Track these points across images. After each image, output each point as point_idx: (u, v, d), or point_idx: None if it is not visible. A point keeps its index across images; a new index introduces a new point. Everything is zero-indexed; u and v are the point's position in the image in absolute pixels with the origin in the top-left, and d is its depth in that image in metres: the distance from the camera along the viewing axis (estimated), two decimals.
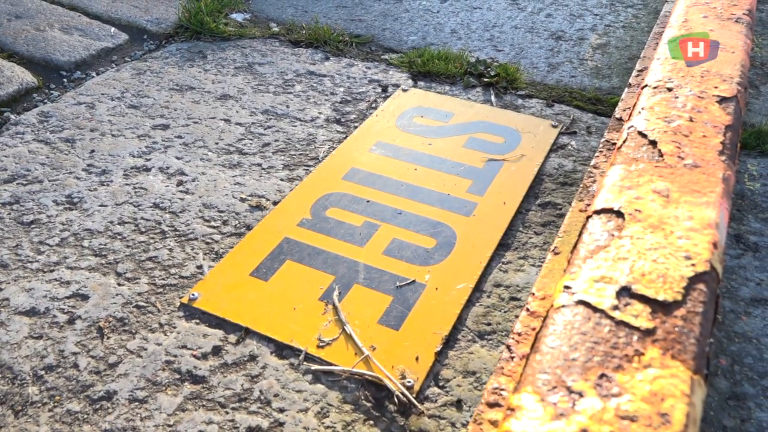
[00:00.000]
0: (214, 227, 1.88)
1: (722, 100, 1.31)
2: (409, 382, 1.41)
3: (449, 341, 1.53)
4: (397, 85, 2.65)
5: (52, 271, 1.71)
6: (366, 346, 1.49)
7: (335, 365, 1.45)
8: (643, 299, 0.83)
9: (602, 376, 0.73)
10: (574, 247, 0.94)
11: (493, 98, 2.57)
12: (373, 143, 2.24)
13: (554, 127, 2.36)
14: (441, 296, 1.63)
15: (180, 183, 2.05)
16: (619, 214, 0.99)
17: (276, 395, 1.40)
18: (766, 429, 1.34)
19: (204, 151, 2.21)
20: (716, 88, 1.35)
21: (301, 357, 1.48)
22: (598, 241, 0.94)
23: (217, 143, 2.26)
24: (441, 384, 1.43)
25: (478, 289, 1.68)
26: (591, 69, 2.82)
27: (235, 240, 1.83)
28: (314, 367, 1.45)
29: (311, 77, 2.71)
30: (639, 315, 0.80)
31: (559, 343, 0.78)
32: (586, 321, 0.80)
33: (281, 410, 1.37)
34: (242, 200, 1.98)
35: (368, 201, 1.96)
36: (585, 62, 2.88)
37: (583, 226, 0.98)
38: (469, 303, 1.64)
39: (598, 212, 1.00)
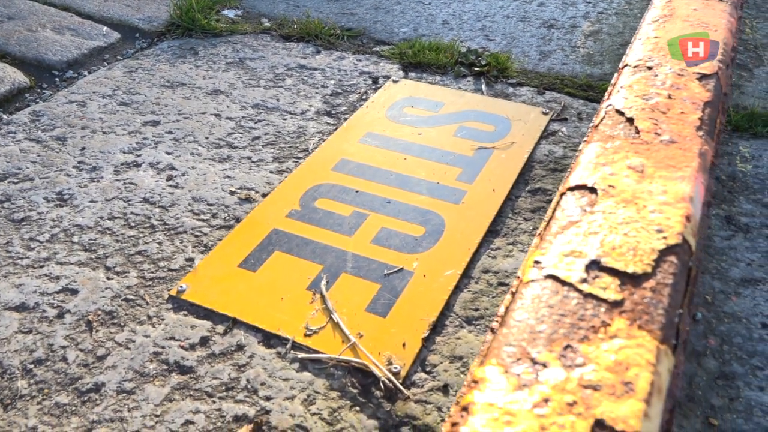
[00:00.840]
0: (203, 220, 1.88)
1: (702, 77, 1.30)
2: (395, 368, 1.41)
3: (437, 327, 1.53)
4: (387, 77, 2.64)
5: (41, 267, 1.72)
6: (353, 334, 1.48)
7: (322, 353, 1.45)
8: (613, 272, 0.83)
9: (567, 347, 0.72)
10: (547, 223, 0.94)
11: (483, 87, 2.56)
12: (363, 134, 2.24)
13: (545, 114, 2.36)
14: (429, 283, 1.63)
15: (170, 177, 2.06)
16: (593, 190, 0.98)
17: (263, 384, 1.40)
18: (754, 407, 1.33)
19: (194, 146, 2.22)
20: (697, 65, 1.34)
21: (288, 346, 1.48)
22: (570, 217, 0.93)
23: (207, 138, 2.26)
24: (428, 369, 1.43)
25: (466, 275, 1.68)
26: (583, 56, 2.81)
27: (224, 232, 1.83)
28: (301, 355, 1.45)
29: (302, 71, 2.70)
30: (607, 287, 0.80)
31: (527, 316, 0.77)
32: (554, 294, 0.80)
33: (268, 398, 1.37)
34: (232, 193, 1.99)
35: (357, 191, 1.96)
36: (577, 49, 2.86)
37: (557, 203, 0.98)
38: (457, 289, 1.63)
39: (572, 189, 1.00)
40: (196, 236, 1.82)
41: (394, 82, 2.59)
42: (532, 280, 0.83)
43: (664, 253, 0.86)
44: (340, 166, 2.08)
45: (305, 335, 1.49)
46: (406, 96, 2.48)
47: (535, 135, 2.23)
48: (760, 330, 1.50)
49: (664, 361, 0.73)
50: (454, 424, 0.66)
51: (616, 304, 0.78)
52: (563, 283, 0.82)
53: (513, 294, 0.83)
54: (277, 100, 2.49)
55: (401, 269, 1.67)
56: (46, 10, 3.17)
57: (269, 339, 1.51)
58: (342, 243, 1.76)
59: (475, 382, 0.70)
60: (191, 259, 1.74)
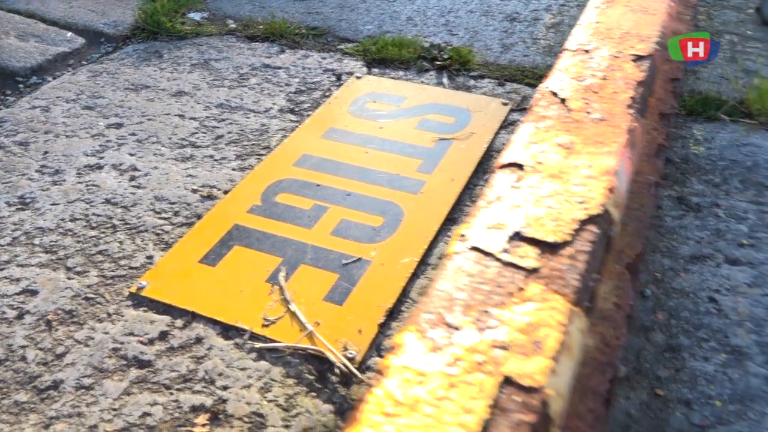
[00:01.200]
0: (165, 218, 1.89)
1: (638, 59, 1.34)
2: (351, 353, 1.43)
3: (393, 313, 1.56)
4: (351, 73, 2.67)
5: (2, 270, 1.73)
6: (310, 322, 1.51)
7: (279, 342, 1.47)
8: (533, 242, 0.86)
9: (483, 312, 0.75)
10: (477, 200, 0.97)
11: (445, 80, 2.59)
12: (325, 130, 2.27)
13: (505, 104, 2.39)
14: (386, 271, 1.65)
15: (132, 178, 2.07)
16: (522, 166, 1.02)
17: (220, 374, 1.42)
18: (699, 377, 1.37)
19: (157, 147, 2.23)
20: (633, 47, 1.38)
21: (246, 336, 1.50)
22: (498, 193, 0.96)
23: (170, 138, 2.28)
24: (383, 354, 1.46)
25: (423, 262, 1.70)
26: (544, 47, 2.85)
27: (185, 230, 1.85)
28: (258, 345, 1.47)
29: (266, 70, 2.72)
30: (526, 256, 0.83)
31: (448, 285, 0.80)
32: (475, 264, 0.83)
33: (225, 388, 1.39)
34: (194, 191, 2.00)
35: (318, 185, 1.98)
36: (538, 41, 2.91)
37: (488, 181, 1.01)
38: (414, 276, 1.66)
39: (502, 167, 1.03)
40: (158, 234, 1.83)
41: (357, 78, 2.61)
42: (456, 252, 0.86)
43: (584, 223, 0.90)
44: (301, 161, 2.10)
45: (263, 326, 1.51)
46: (368, 91, 2.51)
47: (494, 125, 2.27)
48: (707, 303, 1.54)
49: (576, 322, 0.76)
50: (369, 387, 0.69)
51: (533, 271, 0.81)
52: (485, 253, 0.85)
53: (439, 266, 0.86)
54: (241, 99, 2.51)
55: (359, 259, 1.69)
56: (10, 17, 3.17)
57: (228, 331, 1.52)
58: (302, 235, 1.78)
59: (393, 348, 0.73)
60: (152, 257, 1.75)
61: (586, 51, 1.36)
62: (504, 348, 0.71)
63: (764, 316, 1.50)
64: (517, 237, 0.87)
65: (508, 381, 0.68)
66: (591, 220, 0.90)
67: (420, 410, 0.65)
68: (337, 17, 3.20)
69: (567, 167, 1.01)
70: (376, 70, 2.71)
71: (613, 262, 1.03)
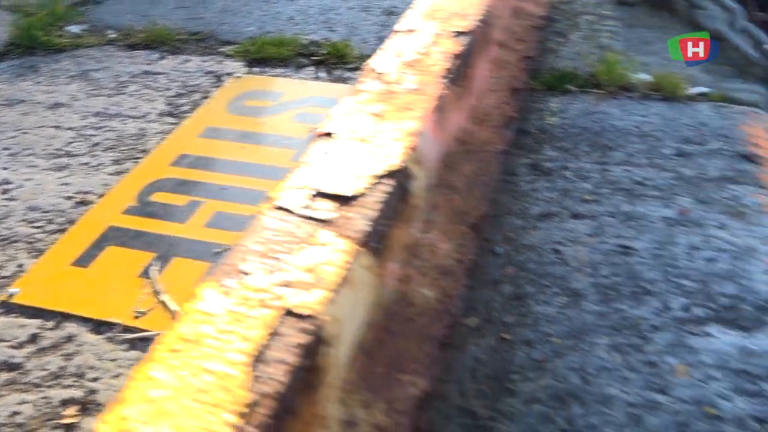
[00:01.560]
0: (37, 227, 1.89)
1: (459, 35, 1.47)
2: None
3: None
4: (231, 74, 2.72)
5: None
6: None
7: (149, 330, 1.51)
8: (332, 197, 0.95)
9: (275, 258, 0.84)
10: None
11: (322, 75, 2.68)
12: (203, 129, 2.31)
13: None
14: None
15: (5, 191, 2.05)
16: (335, 135, 1.11)
17: (91, 367, 1.45)
18: (540, 319, 1.51)
19: (31, 159, 2.21)
20: (455, 25, 1.50)
21: (118, 329, 1.53)
22: (309, 159, 1.05)
23: (45, 149, 2.26)
24: None
25: None
26: None
27: (58, 236, 1.85)
28: (130, 336, 1.51)
29: (146, 76, 2.73)
30: (323, 209, 0.92)
31: (250, 240, 0.88)
32: (276, 221, 0.91)
33: (95, 379, 1.42)
34: (68, 198, 2.00)
35: (194, 182, 2.03)
36: None
37: (305, 151, 1.09)
38: None
39: (318, 136, 1.12)
40: (30, 243, 1.83)
41: (237, 78, 2.67)
42: (262, 213, 0.94)
43: (382, 177, 1.00)
44: (178, 161, 2.14)
45: (135, 317, 1.55)
46: (247, 90, 2.57)
47: None
48: (551, 255, 1.69)
49: (361, 259, 0.86)
50: (161, 334, 0.76)
51: (327, 222, 0.90)
52: (287, 211, 0.93)
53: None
54: (120, 106, 2.52)
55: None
56: None
57: (99, 327, 1.55)
58: (176, 230, 1.82)
59: (193, 297, 0.80)
60: (23, 265, 1.75)
61: (412, 31, 1.48)
62: (287, 285, 0.79)
63: (600, 261, 1.66)
64: (319, 194, 0.96)
65: (288, 312, 0.76)
66: (389, 174, 1.01)
67: (204, 344, 0.72)
68: (218, 21, 3.24)
69: (376, 132, 1.11)
70: (256, 69, 2.77)
71: (410, 211, 1.14)
